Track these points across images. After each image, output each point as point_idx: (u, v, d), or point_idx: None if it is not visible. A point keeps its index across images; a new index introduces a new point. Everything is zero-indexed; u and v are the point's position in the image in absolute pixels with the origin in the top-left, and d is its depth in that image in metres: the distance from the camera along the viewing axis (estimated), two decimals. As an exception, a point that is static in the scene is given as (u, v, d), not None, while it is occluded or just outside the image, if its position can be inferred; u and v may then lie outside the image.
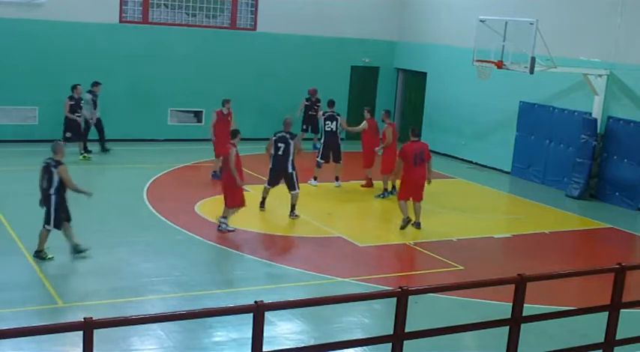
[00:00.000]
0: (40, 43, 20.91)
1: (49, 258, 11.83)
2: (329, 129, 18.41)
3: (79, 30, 21.31)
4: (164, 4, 22.65)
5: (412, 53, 25.24)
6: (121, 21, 21.97)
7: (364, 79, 25.56)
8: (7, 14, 20.51)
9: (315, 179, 18.23)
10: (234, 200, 13.86)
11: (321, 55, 24.54)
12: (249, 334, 6.26)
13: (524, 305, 7.42)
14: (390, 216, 16.07)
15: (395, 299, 6.85)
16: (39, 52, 20.92)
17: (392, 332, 6.87)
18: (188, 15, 23.00)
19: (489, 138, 22.32)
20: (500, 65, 17.93)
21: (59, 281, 11.05)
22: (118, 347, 9.05)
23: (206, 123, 23.17)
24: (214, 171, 18.09)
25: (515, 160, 21.41)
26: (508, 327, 7.50)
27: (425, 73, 24.80)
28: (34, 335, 6.42)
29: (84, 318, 5.63)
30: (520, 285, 7.37)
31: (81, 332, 5.65)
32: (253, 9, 23.64)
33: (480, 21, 18.76)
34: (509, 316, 7.47)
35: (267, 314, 6.36)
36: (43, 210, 11.86)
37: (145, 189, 16.89)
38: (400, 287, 6.85)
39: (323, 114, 18.94)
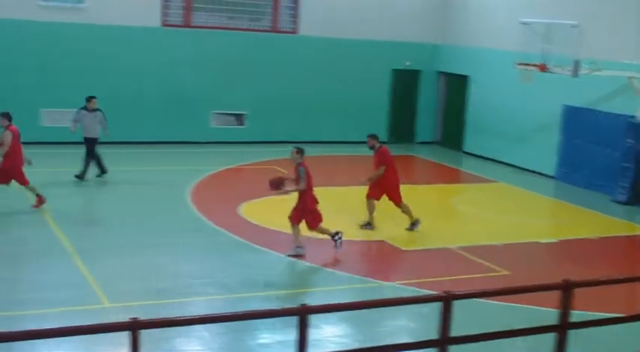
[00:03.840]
0: (83, 47, 21.13)
1: None
2: None
3: (121, 33, 21.54)
4: (206, 8, 22.78)
5: (454, 56, 25.09)
6: (163, 24, 22.16)
7: (405, 83, 25.47)
8: (50, 18, 20.79)
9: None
10: None
11: (362, 58, 24.51)
12: (295, 337, 6.26)
13: (572, 311, 7.32)
14: (434, 219, 15.95)
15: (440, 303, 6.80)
16: (81, 56, 21.14)
17: (437, 337, 6.82)
18: (230, 18, 23.13)
19: (532, 142, 22.07)
20: (543, 68, 17.76)
21: (105, 282, 11.14)
22: (161, 348, 9.08)
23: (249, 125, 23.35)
24: None
25: (559, 164, 21.15)
26: (554, 334, 7.40)
27: (467, 77, 24.64)
28: (80, 334, 6.45)
29: (130, 318, 5.67)
30: (566, 291, 7.27)
31: (124, 333, 5.69)
32: (294, 12, 23.69)
33: (522, 23, 18.59)
34: (555, 322, 7.37)
35: (313, 317, 6.35)
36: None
37: (189, 191, 17.00)
38: (445, 292, 6.80)
39: None
